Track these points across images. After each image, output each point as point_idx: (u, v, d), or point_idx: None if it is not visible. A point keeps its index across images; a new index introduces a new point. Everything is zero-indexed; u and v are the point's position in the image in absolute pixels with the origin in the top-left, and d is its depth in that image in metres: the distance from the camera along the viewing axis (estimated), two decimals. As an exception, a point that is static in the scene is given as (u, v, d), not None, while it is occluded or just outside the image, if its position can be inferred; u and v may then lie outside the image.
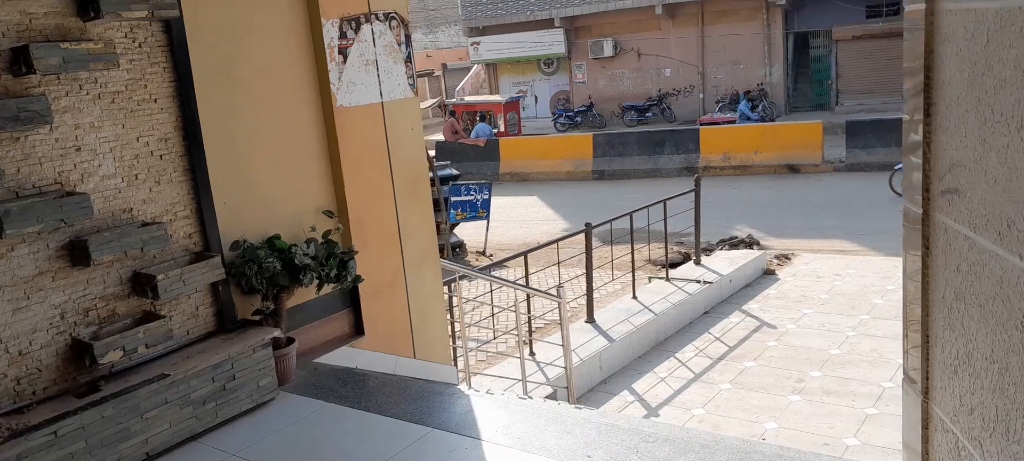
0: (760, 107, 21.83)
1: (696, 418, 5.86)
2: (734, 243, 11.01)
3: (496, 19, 28.32)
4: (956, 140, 1.45)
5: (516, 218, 14.71)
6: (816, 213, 12.81)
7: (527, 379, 6.07)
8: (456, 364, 5.88)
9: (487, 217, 12.39)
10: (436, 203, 10.64)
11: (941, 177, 1.55)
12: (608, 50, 26.78)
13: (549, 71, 28.95)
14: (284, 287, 3.78)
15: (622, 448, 2.94)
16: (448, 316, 5.79)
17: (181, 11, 3.41)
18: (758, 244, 10.95)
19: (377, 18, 4.43)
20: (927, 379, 1.75)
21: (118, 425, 3.06)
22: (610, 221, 8.34)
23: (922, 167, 1.62)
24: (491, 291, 7.57)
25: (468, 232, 12.96)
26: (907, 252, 1.78)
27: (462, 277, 6.29)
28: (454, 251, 11.96)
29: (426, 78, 33.58)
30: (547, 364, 6.57)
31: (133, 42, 3.33)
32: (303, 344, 4.07)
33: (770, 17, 24.30)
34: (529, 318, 7.31)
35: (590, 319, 7.64)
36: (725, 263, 9.33)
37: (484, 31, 28.88)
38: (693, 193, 9.31)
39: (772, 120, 20.52)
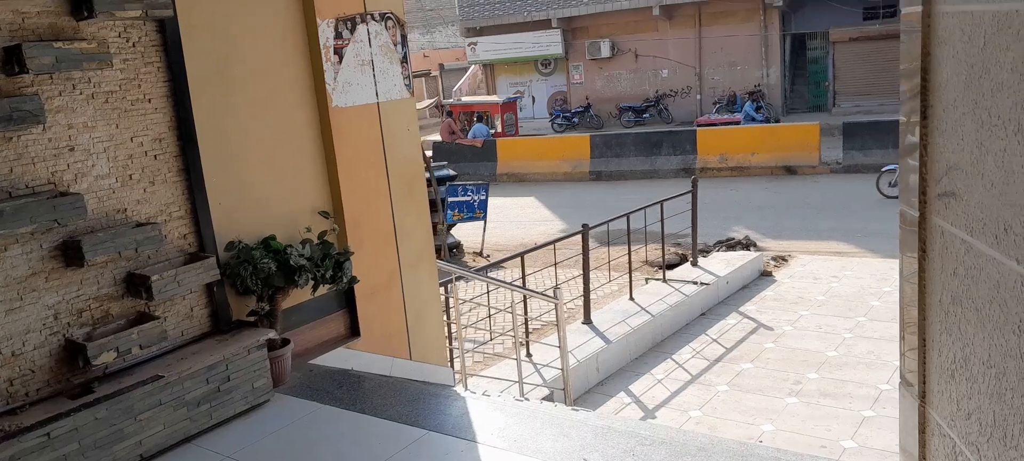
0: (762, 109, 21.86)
1: (693, 420, 5.85)
2: (731, 244, 11.01)
3: (493, 20, 28.32)
4: (953, 143, 1.45)
5: (513, 219, 14.70)
6: (813, 215, 12.82)
7: (524, 381, 6.05)
8: (452, 366, 5.87)
9: (484, 218, 12.38)
10: (433, 204, 10.64)
11: (938, 180, 1.54)
12: (605, 51, 26.79)
13: (546, 72, 28.95)
14: (279, 288, 3.76)
15: (619, 451, 2.93)
16: (444, 317, 5.78)
17: (175, 10, 3.39)
18: (755, 245, 10.95)
19: (373, 18, 4.42)
20: (924, 383, 1.75)
21: (112, 427, 3.04)
22: (607, 222, 8.33)
23: (919, 170, 1.61)
24: (488, 292, 7.56)
25: (465, 233, 12.95)
26: (903, 254, 1.77)
27: (458, 278, 6.27)
28: (451, 252, 11.95)
29: (423, 78, 33.57)
30: (544, 366, 6.56)
31: (127, 42, 3.31)
32: (298, 345, 4.05)
33: (767, 18, 24.33)
34: (526, 319, 7.30)
35: (587, 320, 7.63)
36: (722, 264, 9.33)
37: (481, 31, 28.88)
38: (690, 194, 9.31)
39: (777, 121, 20.50)
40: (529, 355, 6.88)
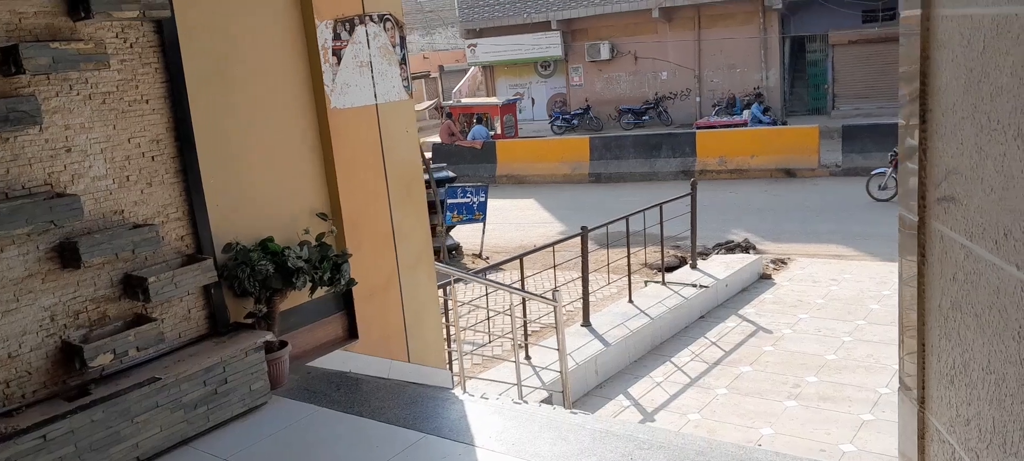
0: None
1: (692, 423, 5.84)
2: (730, 247, 11.01)
3: (493, 21, 28.34)
4: (952, 147, 1.44)
5: (512, 221, 14.69)
6: (812, 217, 12.82)
7: (522, 383, 6.04)
8: (451, 368, 5.86)
9: (483, 220, 12.38)
10: (432, 205, 10.63)
11: (937, 184, 1.53)
12: (605, 53, 26.80)
13: (546, 74, 28.96)
14: (277, 290, 3.75)
15: (616, 455, 2.92)
16: (443, 319, 5.76)
17: (173, 11, 3.39)
18: (754, 248, 10.95)
19: (371, 20, 4.41)
20: (923, 388, 1.74)
21: (108, 429, 3.03)
22: (606, 225, 8.32)
23: (918, 174, 1.61)
24: (486, 294, 7.55)
25: (464, 234, 12.94)
26: (903, 257, 1.76)
27: (457, 280, 6.26)
28: (450, 253, 11.94)
29: (423, 80, 33.56)
30: (543, 368, 6.55)
31: (124, 42, 3.30)
32: (296, 347, 4.04)
33: (767, 21, 24.35)
34: (525, 322, 7.29)
35: (586, 323, 7.62)
36: (721, 267, 9.32)
37: (481, 33, 28.89)
38: (689, 197, 9.30)
39: (785, 123, 20.46)
40: (528, 357, 6.87)
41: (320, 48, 4.12)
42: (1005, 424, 1.32)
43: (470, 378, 6.39)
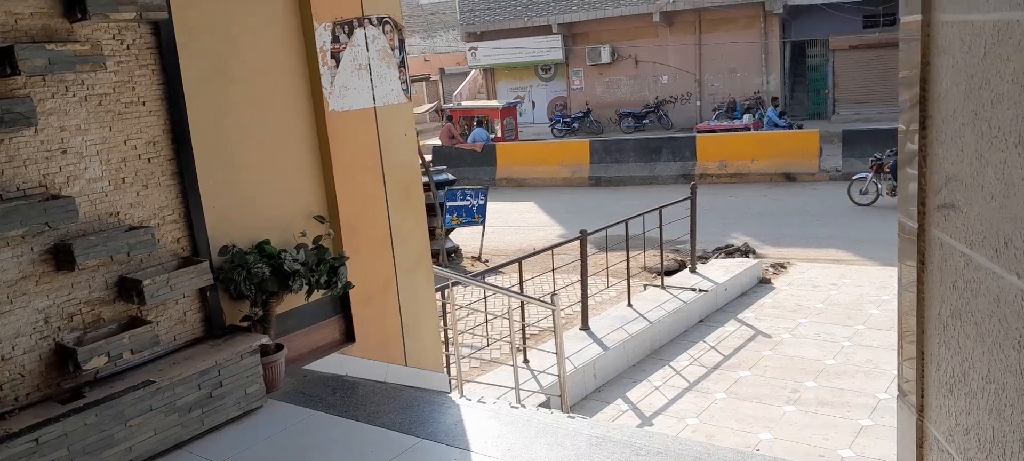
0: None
1: (690, 428, 5.82)
2: (730, 251, 10.99)
3: (494, 25, 28.36)
4: (952, 154, 1.42)
5: (512, 224, 14.68)
6: (812, 222, 12.80)
7: (520, 387, 6.02)
8: (449, 372, 5.84)
9: (483, 222, 12.36)
10: (431, 208, 10.61)
11: (937, 191, 1.51)
12: (605, 57, 26.82)
13: (546, 77, 28.98)
14: (273, 293, 3.74)
15: None
16: (441, 323, 5.74)
17: (170, 13, 3.37)
18: (754, 252, 10.92)
19: (370, 22, 4.40)
20: (922, 397, 1.72)
21: (101, 432, 3.01)
22: (606, 228, 8.31)
23: (918, 180, 1.59)
24: (485, 297, 7.53)
25: (464, 237, 12.93)
26: (902, 263, 1.74)
27: (455, 283, 6.24)
28: (449, 256, 11.93)
29: (424, 82, 33.56)
30: (541, 372, 6.53)
31: (121, 44, 3.29)
32: (292, 351, 4.02)
33: (767, 26, 24.36)
34: (523, 325, 7.27)
35: (585, 326, 7.60)
36: (721, 271, 9.30)
37: (482, 36, 28.91)
38: (689, 200, 9.29)
39: (801, 127, 20.39)
40: (526, 361, 6.85)
41: (318, 50, 4.11)
42: (1005, 434, 1.30)
43: (468, 382, 6.37)
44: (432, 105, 32.80)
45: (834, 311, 8.12)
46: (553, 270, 7.97)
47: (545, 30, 27.35)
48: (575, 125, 26.50)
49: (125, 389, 3.11)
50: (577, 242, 7.79)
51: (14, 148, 2.98)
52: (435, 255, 10.84)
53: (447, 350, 6.07)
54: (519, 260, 7.46)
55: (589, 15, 26.32)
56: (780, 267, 10.06)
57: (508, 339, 6.64)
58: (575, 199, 16.74)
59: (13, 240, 2.97)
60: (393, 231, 4.61)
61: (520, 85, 29.43)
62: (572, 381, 6.39)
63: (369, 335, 4.47)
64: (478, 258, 12.20)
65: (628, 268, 8.45)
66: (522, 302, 7.12)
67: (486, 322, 7.44)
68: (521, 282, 7.45)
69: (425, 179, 10.34)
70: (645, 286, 9.04)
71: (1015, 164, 1.18)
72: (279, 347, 3.79)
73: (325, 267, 3.87)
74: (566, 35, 27.52)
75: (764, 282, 9.49)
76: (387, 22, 4.52)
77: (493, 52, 28.79)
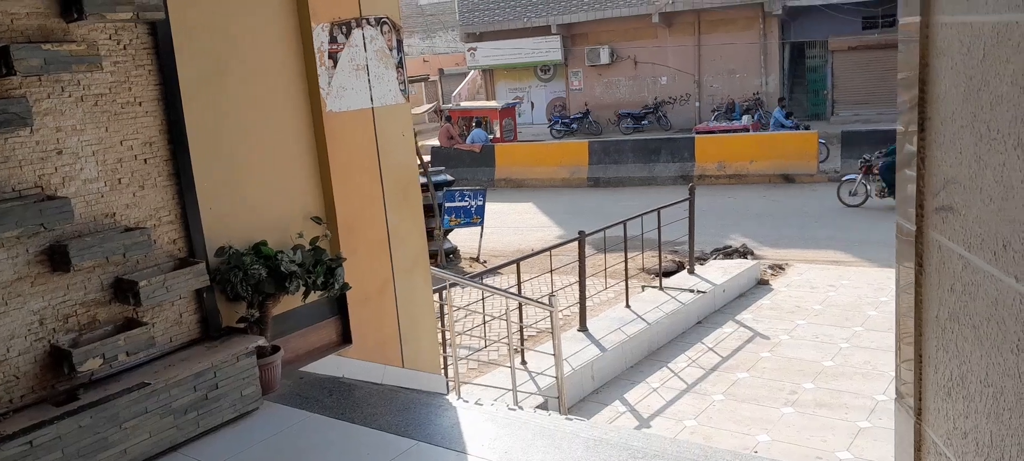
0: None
1: (688, 429, 5.81)
2: (728, 252, 10.98)
3: (493, 25, 28.36)
4: (951, 156, 1.41)
5: (511, 224, 14.67)
6: (810, 223, 12.80)
7: (518, 389, 6.01)
8: (446, 373, 5.83)
9: (481, 223, 12.35)
10: (430, 209, 10.60)
11: (935, 194, 1.50)
12: (604, 57, 26.82)
13: (545, 78, 28.98)
14: (270, 294, 3.72)
15: (610, 463, 2.89)
16: (438, 324, 5.73)
17: (167, 13, 3.36)
18: (752, 254, 10.92)
19: (368, 23, 4.39)
20: (920, 400, 1.71)
21: (96, 435, 3.00)
22: (604, 229, 8.30)
23: (916, 182, 1.58)
24: (483, 298, 7.52)
25: (462, 238, 12.91)
26: (900, 265, 1.74)
27: (453, 284, 6.23)
28: (448, 257, 11.91)
29: (423, 83, 33.54)
30: (538, 373, 6.51)
31: (117, 44, 3.27)
32: (289, 352, 4.01)
33: (766, 27, 24.37)
34: (521, 327, 7.26)
35: (583, 328, 7.59)
36: (719, 273, 9.29)
37: (481, 37, 28.91)
38: (687, 202, 9.28)
39: (808, 127, 20.33)
40: (524, 363, 6.84)
41: (316, 51, 4.09)
42: (1003, 438, 1.30)
43: (465, 383, 6.36)
44: (431, 106, 32.77)
45: (832, 313, 8.11)
46: (551, 271, 7.96)
47: (544, 31, 27.35)
48: (574, 126, 26.50)
49: (120, 391, 3.09)
50: (575, 243, 7.77)
51: (9, 148, 2.97)
52: (433, 256, 10.84)
53: (445, 352, 6.06)
54: (517, 261, 7.45)
55: (588, 16, 26.32)
56: (778, 268, 10.06)
57: (506, 340, 6.63)
58: (574, 200, 16.73)
59: (8, 241, 2.95)
60: (391, 232, 4.60)
61: (519, 86, 29.43)
62: (570, 383, 6.38)
63: (366, 337, 4.46)
64: (476, 259, 12.19)
65: (626, 269, 8.44)
66: (520, 303, 7.11)
67: (484, 323, 7.43)
68: (519, 283, 7.43)
69: (423, 180, 10.33)
70: (643, 287, 9.03)
71: (1014, 167, 1.17)
72: (275, 349, 3.78)
73: (322, 268, 3.85)
74: (565, 36, 27.52)
75: (762, 283, 9.48)
76: (385, 22, 4.51)
77: (492, 53, 28.79)
